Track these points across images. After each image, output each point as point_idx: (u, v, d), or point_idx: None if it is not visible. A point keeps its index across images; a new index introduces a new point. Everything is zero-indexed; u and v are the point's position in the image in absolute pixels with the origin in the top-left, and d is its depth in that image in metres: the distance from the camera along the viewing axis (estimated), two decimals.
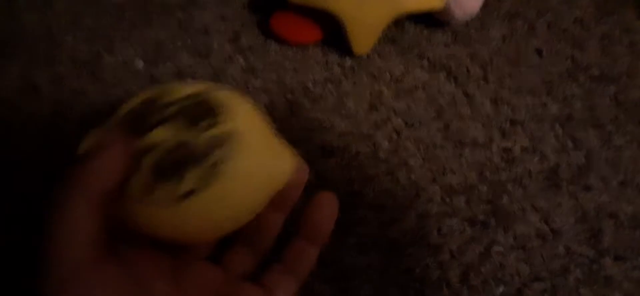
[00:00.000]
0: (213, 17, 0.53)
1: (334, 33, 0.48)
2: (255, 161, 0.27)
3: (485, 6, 0.52)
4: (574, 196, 0.39)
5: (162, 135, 0.25)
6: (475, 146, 0.43)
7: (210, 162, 0.25)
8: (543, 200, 0.39)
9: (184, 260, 0.29)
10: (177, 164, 0.25)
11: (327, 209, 0.28)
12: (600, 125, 0.43)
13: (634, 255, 0.35)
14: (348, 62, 0.49)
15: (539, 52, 0.48)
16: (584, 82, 0.46)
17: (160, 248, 0.28)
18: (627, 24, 0.50)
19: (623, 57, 0.47)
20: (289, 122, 0.44)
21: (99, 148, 0.25)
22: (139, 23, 0.51)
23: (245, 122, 0.27)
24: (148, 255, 0.28)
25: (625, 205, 0.38)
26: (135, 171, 0.25)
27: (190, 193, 0.25)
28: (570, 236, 0.37)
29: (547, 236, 0.37)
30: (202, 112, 0.26)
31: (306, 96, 0.46)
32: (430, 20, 0.51)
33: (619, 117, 0.43)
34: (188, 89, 0.28)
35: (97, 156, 0.24)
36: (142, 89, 0.46)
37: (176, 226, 0.26)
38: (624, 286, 0.34)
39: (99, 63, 0.47)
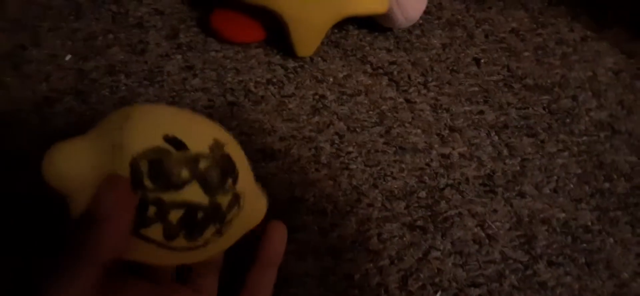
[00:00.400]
0: (149, 11, 0.51)
1: (277, 33, 0.47)
2: (249, 207, 0.29)
3: (426, 13, 0.53)
4: (509, 202, 0.40)
5: (195, 195, 0.25)
6: (415, 151, 0.43)
7: (228, 219, 0.27)
8: (479, 206, 0.39)
9: (158, 283, 0.29)
10: (204, 222, 0.26)
11: (278, 237, 0.31)
12: (534, 133, 0.44)
13: (566, 261, 0.36)
14: (291, 63, 0.48)
15: (477, 61, 0.49)
16: (519, 91, 0.47)
17: (136, 271, 0.28)
18: (560, 35, 0.52)
19: (556, 68, 0.49)
20: (229, 124, 0.42)
21: (107, 211, 0.24)
22: (68, 15, 0.48)
23: (244, 174, 0.28)
24: (132, 282, 0.27)
25: (557, 211, 0.39)
26: (159, 219, 0.25)
27: (205, 243, 0.27)
28: (506, 241, 0.38)
29: (484, 241, 0.38)
30: (227, 169, 0.27)
31: (247, 97, 0.45)
32: (374, 25, 0.51)
33: (551, 126, 0.44)
34: (206, 133, 0.27)
35: (107, 224, 0.24)
36: (67, 83, 0.43)
37: (180, 261, 0.27)
38: (557, 291, 0.35)
39: (23, 56, 0.44)
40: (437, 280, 0.35)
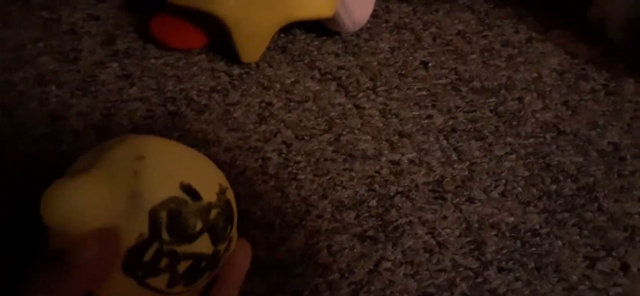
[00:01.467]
0: (84, 16, 0.48)
1: (221, 39, 0.45)
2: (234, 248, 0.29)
3: (374, 17, 0.52)
4: (458, 208, 0.39)
5: (204, 246, 0.25)
6: (365, 158, 0.42)
7: (221, 264, 0.27)
8: (430, 213, 0.39)
9: None
10: (205, 270, 0.26)
11: (242, 255, 0.29)
12: (481, 136, 0.44)
13: (516, 266, 0.36)
14: (236, 70, 0.46)
15: (425, 64, 0.49)
16: (467, 94, 0.47)
17: None
18: (506, 37, 0.52)
19: (502, 70, 0.49)
20: (169, 135, 0.40)
21: (86, 263, 0.22)
22: None
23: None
24: None
25: (506, 216, 0.39)
26: (168, 270, 0.24)
27: (198, 286, 0.26)
28: (456, 248, 0.37)
29: (434, 249, 0.37)
30: (230, 216, 0.27)
31: (189, 107, 0.42)
32: (321, 29, 0.50)
33: (498, 129, 0.45)
34: (213, 179, 0.27)
35: (81, 272, 0.22)
36: None
37: None
38: None
39: None
40: (388, 292, 0.35)
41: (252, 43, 0.44)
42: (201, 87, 0.44)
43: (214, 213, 0.25)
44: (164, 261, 0.24)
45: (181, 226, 0.24)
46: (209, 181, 0.26)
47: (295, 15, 0.44)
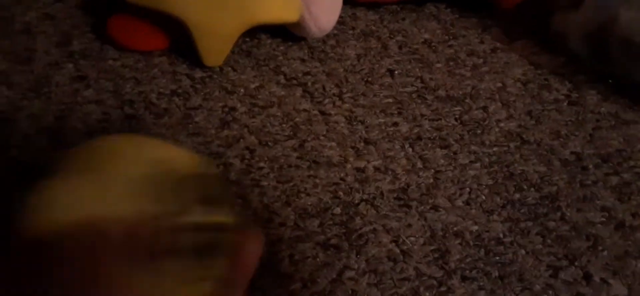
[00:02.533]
0: (39, 16, 0.46)
1: (183, 41, 0.44)
2: None
3: (340, 24, 0.52)
4: (423, 216, 0.39)
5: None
6: (330, 165, 0.41)
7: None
8: (394, 221, 0.38)
9: None
10: None
11: (253, 249, 0.27)
12: (446, 145, 0.44)
13: (479, 275, 0.36)
14: (198, 73, 0.45)
15: (391, 72, 0.49)
16: (432, 102, 0.47)
17: None
18: (471, 47, 0.52)
19: (467, 79, 0.49)
20: None
21: None
22: None
23: None
24: None
25: (470, 224, 0.39)
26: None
27: None
28: (420, 257, 0.37)
29: (398, 258, 0.36)
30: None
31: (148, 110, 0.41)
32: (287, 34, 0.49)
33: (463, 137, 0.44)
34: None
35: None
36: None
37: None
38: None
39: None
40: None
41: (214, 46, 0.43)
42: (161, 90, 0.42)
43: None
44: None
45: None
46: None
47: (259, 18, 0.43)
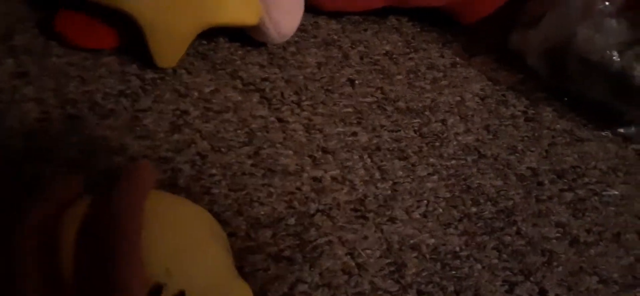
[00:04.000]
0: None
1: (135, 41, 0.41)
2: None
3: (302, 31, 0.51)
4: (379, 228, 0.38)
5: None
6: (285, 174, 0.40)
7: None
8: (350, 233, 0.37)
9: None
10: None
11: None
12: (405, 156, 0.43)
13: (435, 289, 0.35)
14: (149, 74, 0.43)
15: (351, 81, 0.48)
16: (392, 113, 0.46)
17: None
18: (431, 60, 0.52)
19: (427, 92, 0.49)
20: (65, 141, 0.36)
21: None
22: None
23: None
24: None
25: (427, 237, 0.38)
26: None
27: None
28: (376, 270, 0.35)
29: (353, 271, 0.35)
30: None
31: (92, 110, 0.39)
32: (246, 38, 0.47)
33: (422, 149, 0.44)
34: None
35: None
36: None
37: None
38: None
39: None
40: None
41: (168, 46, 0.41)
42: (108, 90, 0.40)
43: None
44: None
45: None
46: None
47: (216, 19, 0.41)
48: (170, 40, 0.41)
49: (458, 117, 0.47)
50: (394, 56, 0.52)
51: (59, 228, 0.24)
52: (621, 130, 0.49)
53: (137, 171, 0.26)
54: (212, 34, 0.46)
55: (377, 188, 0.40)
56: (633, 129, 0.49)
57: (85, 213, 0.25)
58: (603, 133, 0.50)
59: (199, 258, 0.27)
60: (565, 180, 0.45)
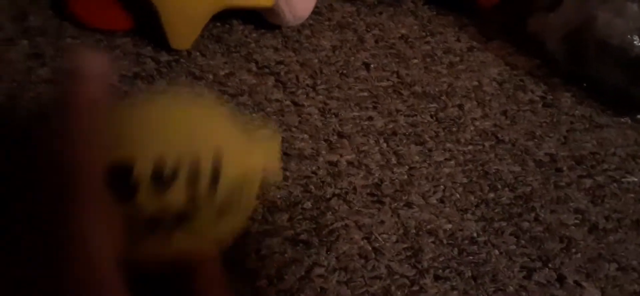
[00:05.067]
0: None
1: (149, 23, 0.41)
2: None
3: (316, 14, 0.50)
4: (396, 213, 0.37)
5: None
6: (301, 158, 0.39)
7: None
8: (366, 217, 0.37)
9: None
10: None
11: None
12: (421, 141, 0.42)
13: (452, 275, 0.35)
14: (164, 57, 0.42)
15: (366, 65, 0.47)
16: (408, 98, 0.45)
17: None
18: (448, 44, 0.51)
19: (443, 76, 0.48)
20: None
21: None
22: None
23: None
24: None
25: (444, 222, 0.38)
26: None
27: None
28: (392, 255, 0.35)
29: (370, 255, 0.35)
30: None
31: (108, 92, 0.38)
32: (260, 21, 0.47)
33: (438, 134, 0.43)
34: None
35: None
36: None
37: None
38: None
39: None
40: None
41: (182, 28, 0.41)
42: (123, 72, 0.40)
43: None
44: None
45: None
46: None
47: (231, 1, 0.41)
48: (185, 21, 0.41)
49: (475, 102, 0.47)
50: (410, 39, 0.51)
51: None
52: None
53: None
54: (226, 16, 0.46)
55: (393, 172, 0.40)
56: None
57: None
58: (622, 120, 0.49)
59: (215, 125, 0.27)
60: (584, 166, 0.44)
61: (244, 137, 0.28)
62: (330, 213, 0.37)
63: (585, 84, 0.50)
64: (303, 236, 0.35)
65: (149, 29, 0.42)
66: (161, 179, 0.24)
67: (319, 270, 0.34)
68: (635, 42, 0.46)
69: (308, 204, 0.37)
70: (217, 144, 0.26)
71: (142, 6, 0.40)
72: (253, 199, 0.28)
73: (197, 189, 0.24)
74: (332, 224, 0.36)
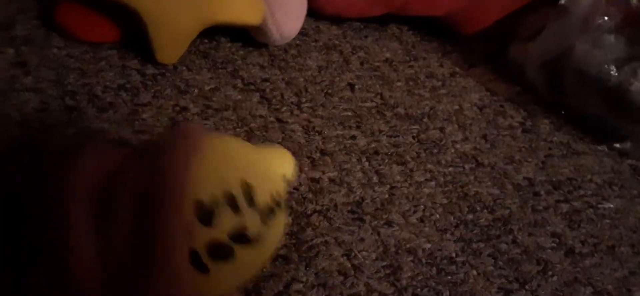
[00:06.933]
0: None
1: (136, 35, 0.41)
2: None
3: (303, 34, 0.51)
4: (376, 230, 0.38)
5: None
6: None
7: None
8: (347, 234, 0.37)
9: None
10: None
11: None
12: (403, 161, 0.43)
13: (431, 294, 0.35)
14: (150, 70, 0.42)
15: (351, 86, 0.48)
16: (391, 119, 0.46)
17: None
18: (431, 69, 0.52)
19: (426, 99, 0.49)
20: (63, 131, 0.36)
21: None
22: None
23: None
24: None
25: (423, 242, 0.38)
26: None
27: None
28: (371, 272, 0.35)
29: (349, 272, 0.35)
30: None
31: (91, 103, 0.38)
32: (248, 38, 0.48)
33: (420, 155, 0.44)
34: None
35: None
36: None
37: None
38: None
39: None
40: None
41: (170, 42, 0.41)
42: (108, 83, 0.40)
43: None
44: None
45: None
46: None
47: (219, 17, 0.41)
48: (172, 36, 0.41)
49: (456, 126, 0.48)
50: (394, 63, 0.52)
51: (110, 180, 0.24)
52: (617, 145, 0.50)
53: (186, 129, 0.26)
54: (214, 33, 0.46)
55: (374, 191, 0.40)
56: (629, 144, 0.50)
57: (135, 168, 0.24)
58: (599, 147, 0.50)
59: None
60: (562, 191, 0.45)
61: (259, 154, 0.29)
62: (310, 228, 0.37)
63: (563, 112, 0.51)
64: (282, 252, 0.35)
65: (136, 42, 0.42)
66: (208, 218, 0.24)
67: (297, 286, 0.34)
68: (612, 72, 0.48)
69: (289, 220, 0.37)
70: (240, 172, 0.26)
71: (130, 19, 0.40)
72: (285, 206, 0.29)
73: (240, 210, 0.25)
74: (312, 240, 0.36)
